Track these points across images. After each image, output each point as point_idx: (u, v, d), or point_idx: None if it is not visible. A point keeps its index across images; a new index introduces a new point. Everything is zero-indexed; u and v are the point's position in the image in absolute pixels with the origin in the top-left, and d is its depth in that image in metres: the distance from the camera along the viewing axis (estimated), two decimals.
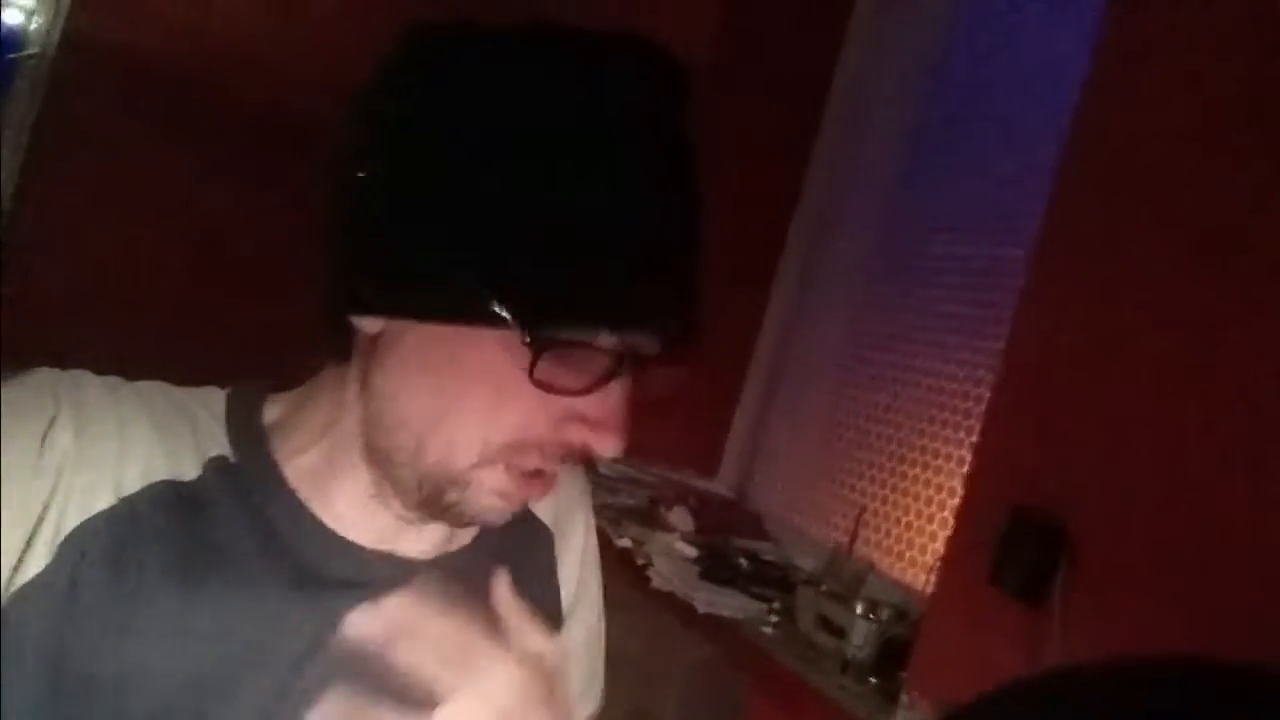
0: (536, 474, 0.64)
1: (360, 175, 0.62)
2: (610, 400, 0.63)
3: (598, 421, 0.63)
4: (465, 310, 0.60)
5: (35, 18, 2.90)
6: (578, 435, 0.63)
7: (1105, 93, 1.39)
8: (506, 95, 0.61)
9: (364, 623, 0.57)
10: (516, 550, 0.78)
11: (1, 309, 2.40)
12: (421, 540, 0.71)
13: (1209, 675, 0.32)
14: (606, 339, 0.61)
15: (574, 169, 0.60)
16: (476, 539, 0.75)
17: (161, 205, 2.81)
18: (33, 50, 2.90)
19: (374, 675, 0.61)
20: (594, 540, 0.86)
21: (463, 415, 0.63)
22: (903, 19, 2.34)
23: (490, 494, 0.64)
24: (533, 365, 0.60)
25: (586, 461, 0.67)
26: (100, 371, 0.66)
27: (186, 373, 0.70)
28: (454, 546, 0.73)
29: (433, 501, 0.65)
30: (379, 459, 0.66)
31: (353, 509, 0.67)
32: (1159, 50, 1.33)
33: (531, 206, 0.59)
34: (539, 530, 0.81)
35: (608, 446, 0.63)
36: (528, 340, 0.59)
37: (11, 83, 2.90)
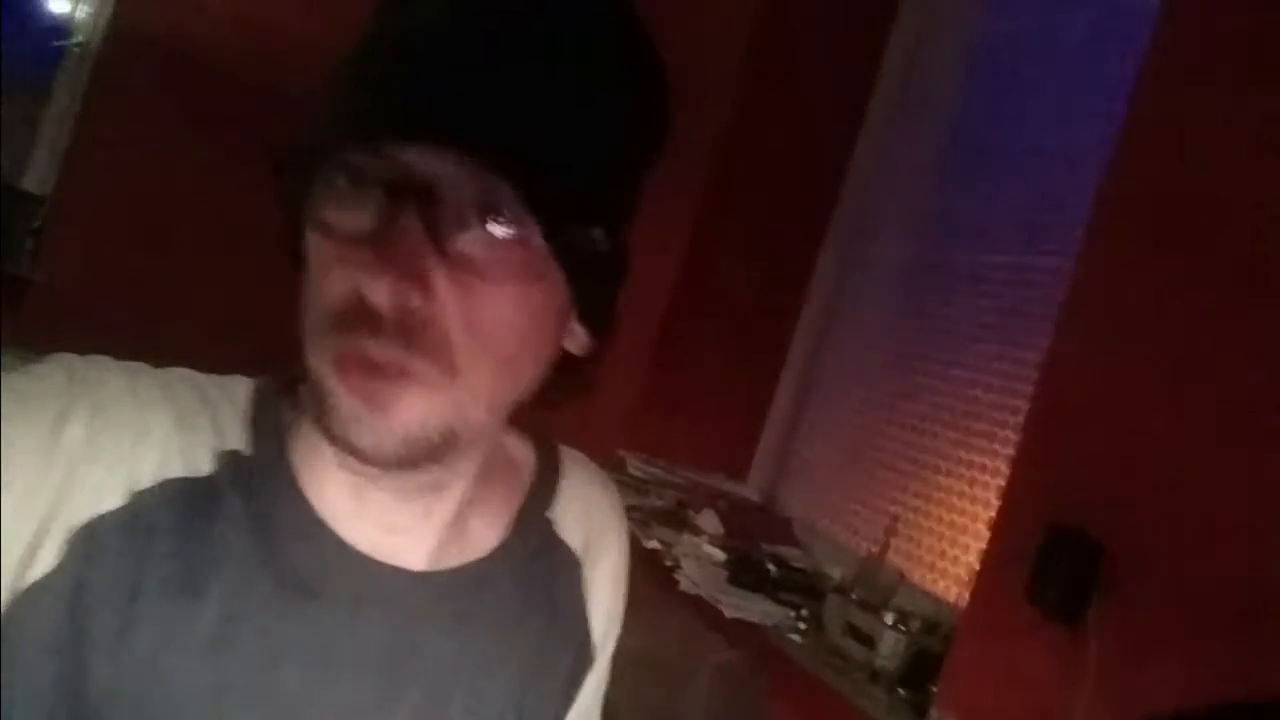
0: (368, 363, 0.55)
1: None
2: (392, 241, 0.54)
3: (373, 265, 0.54)
4: (281, 194, 0.57)
5: (82, 6, 2.94)
6: (366, 288, 0.54)
7: (1151, 112, 1.37)
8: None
9: None
10: (537, 570, 0.74)
11: (39, 291, 2.42)
12: (419, 548, 0.67)
13: None
14: (363, 159, 0.54)
15: (381, 19, 0.58)
16: (491, 555, 0.71)
17: (203, 190, 2.84)
18: (78, 39, 2.93)
19: None
20: (625, 568, 0.82)
21: (307, 305, 0.58)
22: (943, 26, 2.31)
23: (343, 397, 0.56)
24: (285, 190, 0.56)
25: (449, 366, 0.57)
26: (134, 355, 0.64)
27: (224, 358, 0.69)
28: (460, 560, 0.69)
29: (327, 428, 0.58)
30: (308, 401, 0.61)
31: (339, 496, 0.64)
32: (1206, 67, 1.31)
33: (340, 66, 0.57)
34: (565, 557, 0.77)
35: (371, 290, 0.54)
36: (283, 175, 0.55)
37: (57, 70, 2.94)
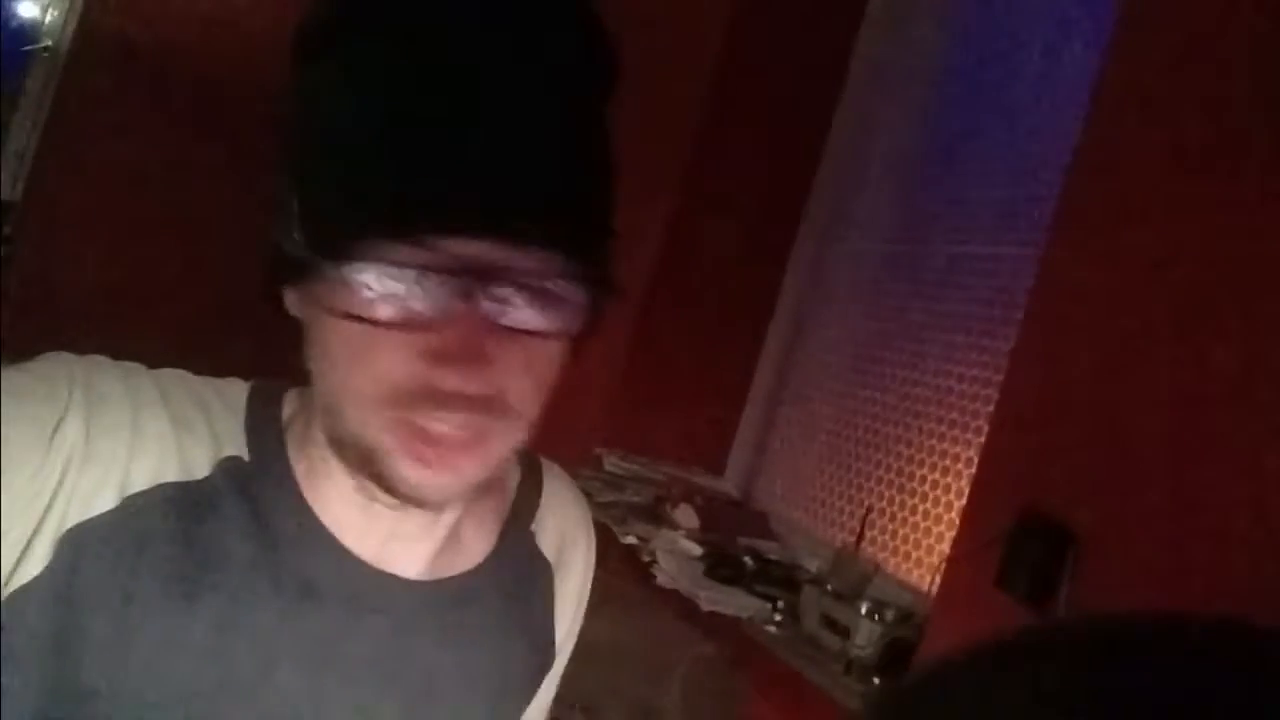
0: (439, 436, 0.58)
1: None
2: (458, 329, 0.55)
3: (444, 353, 0.56)
4: (290, 261, 0.56)
5: (51, 10, 2.91)
6: (435, 375, 0.56)
7: (1116, 94, 1.39)
8: (346, 40, 0.58)
9: None
10: (519, 581, 0.76)
11: (10, 299, 2.40)
12: (418, 557, 0.68)
13: (1182, 631, 0.33)
14: (419, 254, 0.54)
15: (377, 86, 0.56)
16: (480, 565, 0.72)
17: (174, 196, 2.82)
18: (47, 42, 2.91)
19: None
20: (590, 578, 0.84)
21: (345, 377, 0.59)
22: (913, 19, 2.33)
23: (404, 462, 0.58)
24: (330, 297, 0.55)
25: (498, 410, 0.58)
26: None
27: (199, 364, 0.70)
28: (456, 570, 0.71)
29: (378, 480, 0.60)
30: (331, 443, 0.63)
31: (346, 509, 0.65)
32: (1171, 52, 1.33)
33: (336, 133, 0.56)
34: (542, 568, 0.79)
35: (451, 381, 0.56)
36: (319, 263, 0.55)
37: (26, 74, 2.92)
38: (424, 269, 0.55)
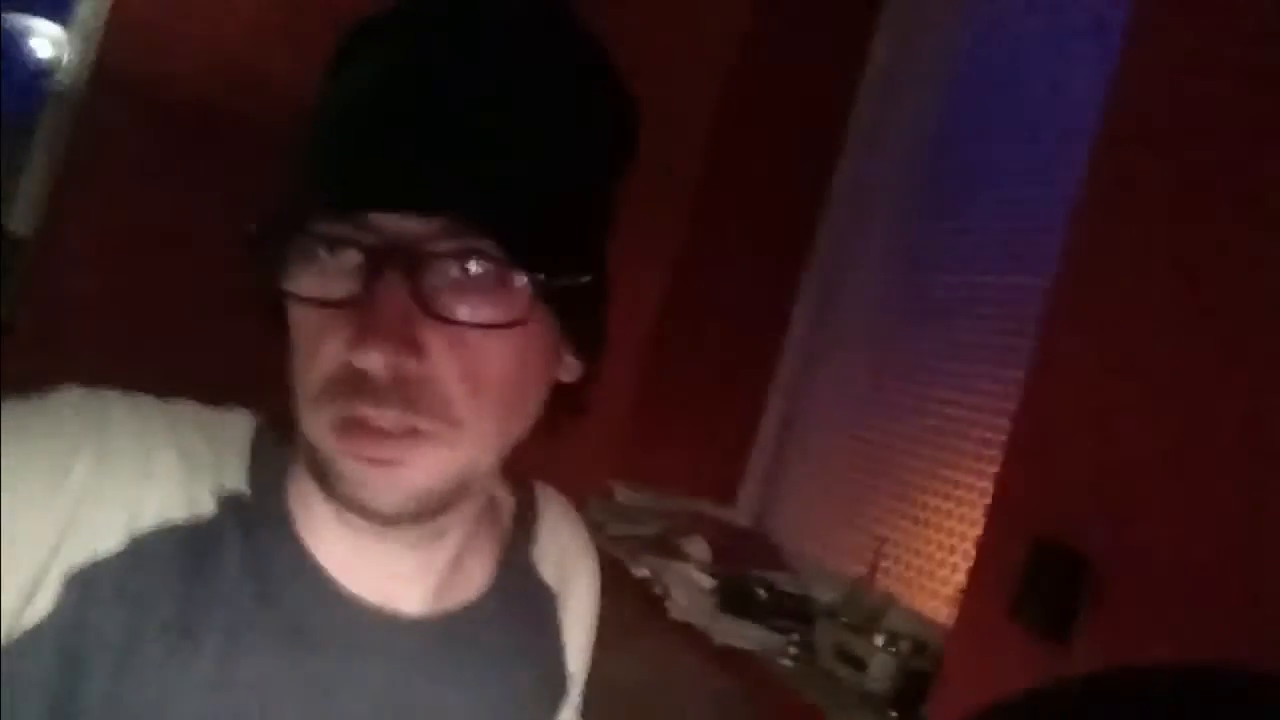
0: (375, 427, 0.56)
1: None
2: (373, 305, 0.54)
3: (362, 333, 0.54)
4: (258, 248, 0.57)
5: (65, 51, 2.96)
6: (356, 356, 0.55)
7: (1125, 124, 1.39)
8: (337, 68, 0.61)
9: None
10: (521, 611, 0.75)
11: (17, 335, 2.41)
12: (418, 594, 0.67)
13: (1199, 683, 0.33)
14: (340, 227, 0.54)
15: (345, 87, 0.58)
16: (480, 598, 0.71)
17: (188, 234, 2.84)
18: (62, 83, 2.95)
19: None
20: (597, 603, 0.83)
21: (298, 375, 0.58)
22: (919, 50, 2.35)
23: (347, 461, 0.57)
24: (269, 273, 0.56)
25: (441, 412, 0.57)
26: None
27: (209, 402, 0.70)
28: (453, 604, 0.70)
29: (332, 492, 0.59)
30: (305, 465, 0.62)
31: (340, 546, 0.64)
32: (1180, 81, 1.33)
33: (307, 132, 0.58)
34: (545, 597, 0.78)
35: (369, 361, 0.54)
36: (257, 245, 0.55)
37: (41, 114, 2.96)
38: (344, 243, 0.55)
